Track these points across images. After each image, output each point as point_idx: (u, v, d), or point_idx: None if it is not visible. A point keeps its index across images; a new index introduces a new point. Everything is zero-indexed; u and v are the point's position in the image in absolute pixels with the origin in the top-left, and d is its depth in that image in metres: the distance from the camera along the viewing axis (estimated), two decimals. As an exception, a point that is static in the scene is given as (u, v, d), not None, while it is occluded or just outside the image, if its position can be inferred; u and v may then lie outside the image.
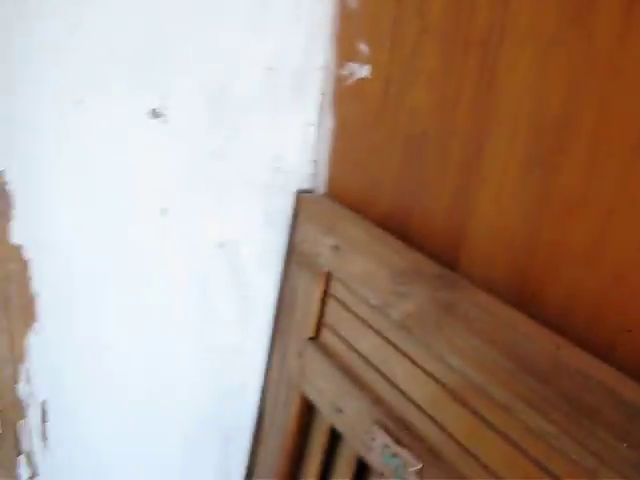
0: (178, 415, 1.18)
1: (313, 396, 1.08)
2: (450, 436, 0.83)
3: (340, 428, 1.02)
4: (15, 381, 0.97)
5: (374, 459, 0.94)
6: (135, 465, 1.17)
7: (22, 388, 0.98)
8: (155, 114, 0.85)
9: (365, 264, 0.92)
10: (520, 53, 0.74)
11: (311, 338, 1.07)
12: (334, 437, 1.06)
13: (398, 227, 0.92)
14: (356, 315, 0.96)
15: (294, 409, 1.13)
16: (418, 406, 0.87)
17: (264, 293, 1.12)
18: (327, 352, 1.04)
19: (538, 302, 0.76)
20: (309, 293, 1.04)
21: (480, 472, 0.79)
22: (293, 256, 1.08)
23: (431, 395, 0.85)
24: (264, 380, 1.21)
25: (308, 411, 1.11)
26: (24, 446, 1.04)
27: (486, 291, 0.79)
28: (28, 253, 0.88)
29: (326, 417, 1.05)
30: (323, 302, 1.03)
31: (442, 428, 0.84)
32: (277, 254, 1.09)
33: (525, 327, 0.73)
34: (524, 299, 0.77)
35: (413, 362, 0.87)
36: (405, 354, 0.88)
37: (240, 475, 1.32)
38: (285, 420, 1.16)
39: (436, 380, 0.84)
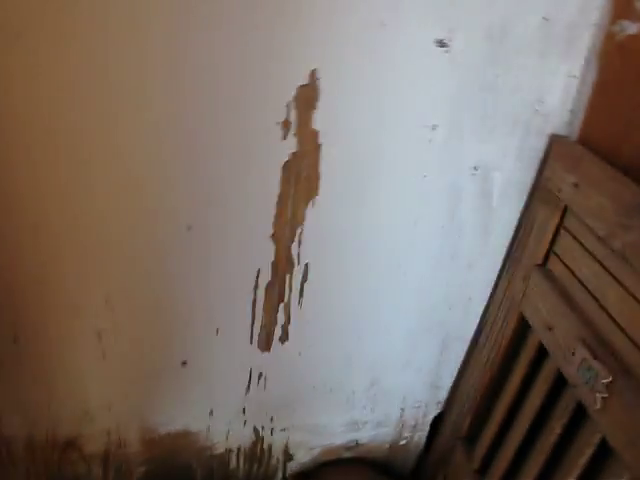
0: (407, 313, 1.38)
1: (529, 315, 1.22)
2: (644, 355, 0.93)
3: (546, 344, 1.15)
4: (291, 241, 1.21)
5: (571, 371, 1.07)
6: (361, 340, 1.40)
7: (294, 248, 1.22)
8: (441, 43, 1.03)
9: (598, 199, 1.03)
10: None
11: (538, 265, 1.21)
12: (539, 354, 1.20)
13: (637, 174, 1.01)
14: (583, 245, 1.08)
15: (511, 326, 1.29)
16: (621, 327, 0.98)
17: (504, 219, 1.26)
18: (550, 278, 1.17)
19: None
20: (545, 224, 1.18)
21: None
22: (537, 191, 1.21)
23: (636, 318, 0.95)
24: (489, 297, 1.38)
25: (522, 329, 1.26)
26: (286, 296, 1.29)
27: None
28: (322, 138, 1.10)
29: (537, 333, 1.19)
30: (556, 233, 1.16)
31: (638, 348, 0.94)
32: (521, 187, 1.22)
33: None
34: None
35: (625, 288, 0.97)
36: (619, 282, 0.98)
37: (450, 378, 1.51)
38: (500, 335, 1.32)
39: (642, 305, 0.94)
